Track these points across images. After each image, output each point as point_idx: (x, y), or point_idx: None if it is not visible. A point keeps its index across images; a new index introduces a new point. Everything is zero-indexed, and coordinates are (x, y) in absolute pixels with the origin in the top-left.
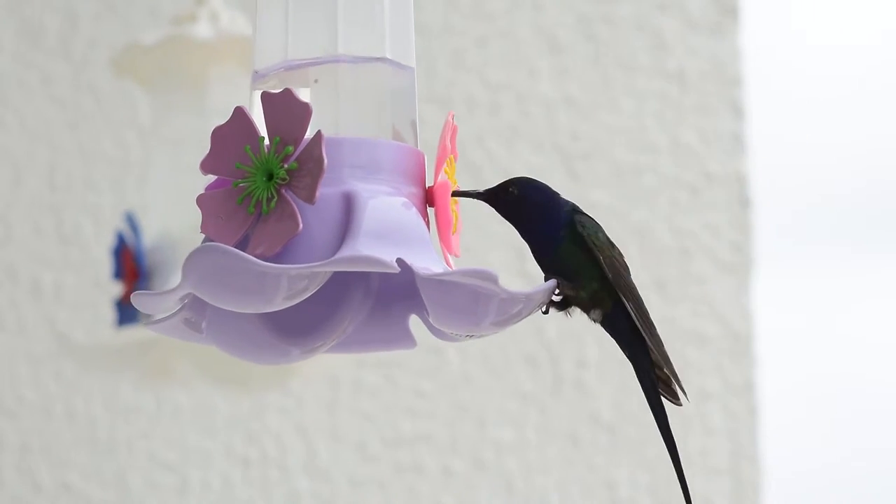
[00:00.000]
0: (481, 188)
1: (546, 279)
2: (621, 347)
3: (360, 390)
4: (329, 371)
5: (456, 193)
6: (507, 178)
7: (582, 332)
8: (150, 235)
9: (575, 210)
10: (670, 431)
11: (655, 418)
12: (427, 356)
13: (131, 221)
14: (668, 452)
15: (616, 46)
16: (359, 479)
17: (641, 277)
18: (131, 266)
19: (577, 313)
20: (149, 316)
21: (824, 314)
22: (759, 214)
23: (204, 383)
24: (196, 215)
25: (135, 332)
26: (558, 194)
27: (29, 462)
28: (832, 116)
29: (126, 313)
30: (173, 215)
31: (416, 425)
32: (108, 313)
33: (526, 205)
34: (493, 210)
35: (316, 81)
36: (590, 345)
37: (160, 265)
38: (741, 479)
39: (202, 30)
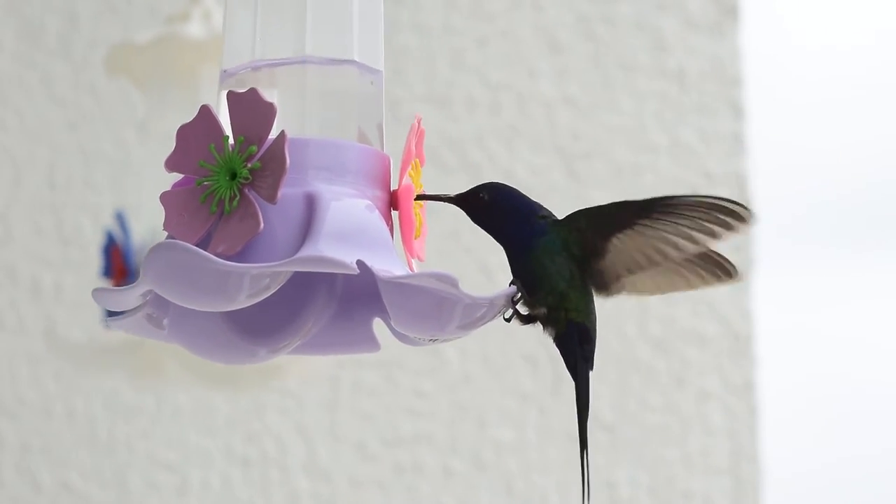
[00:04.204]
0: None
1: (510, 285)
2: (568, 369)
3: (360, 390)
4: (329, 371)
5: (424, 197)
6: (479, 184)
7: None
8: (140, 234)
9: (555, 222)
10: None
11: (581, 441)
12: (427, 356)
13: (121, 220)
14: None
15: (616, 46)
16: (359, 479)
17: None
18: (120, 264)
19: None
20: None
21: (824, 314)
22: (759, 214)
23: (192, 382)
24: None
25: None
26: (532, 201)
27: (29, 462)
28: (832, 116)
29: (114, 312)
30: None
31: (416, 425)
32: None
33: (496, 211)
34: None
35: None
36: None
37: None
38: (741, 479)
39: (195, 29)
